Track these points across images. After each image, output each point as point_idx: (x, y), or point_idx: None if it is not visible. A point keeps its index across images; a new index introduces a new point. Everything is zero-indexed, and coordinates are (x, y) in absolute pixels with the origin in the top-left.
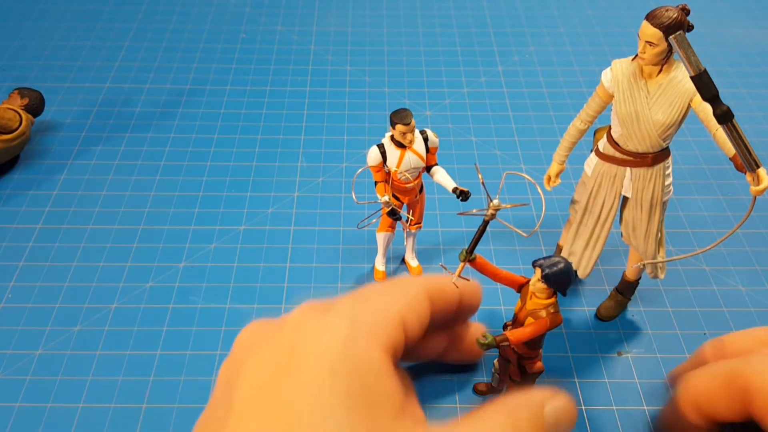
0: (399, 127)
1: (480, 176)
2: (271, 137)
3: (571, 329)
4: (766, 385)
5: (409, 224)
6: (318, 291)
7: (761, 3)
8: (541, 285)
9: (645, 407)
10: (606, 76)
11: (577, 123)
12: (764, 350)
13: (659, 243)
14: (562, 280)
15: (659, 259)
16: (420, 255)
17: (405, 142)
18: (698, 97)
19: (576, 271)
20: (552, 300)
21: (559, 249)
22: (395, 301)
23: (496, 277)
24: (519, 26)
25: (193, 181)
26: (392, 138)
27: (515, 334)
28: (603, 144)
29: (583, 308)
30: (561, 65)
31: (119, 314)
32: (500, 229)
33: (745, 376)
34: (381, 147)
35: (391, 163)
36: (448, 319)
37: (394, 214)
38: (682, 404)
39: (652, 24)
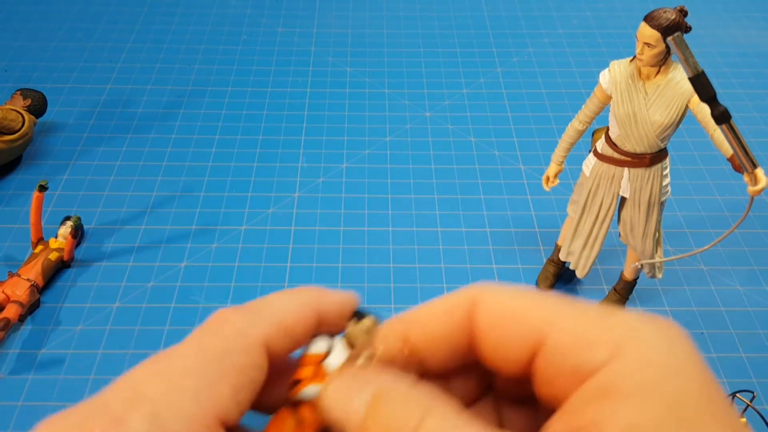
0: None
1: None
2: (272, 138)
3: None
4: (491, 304)
5: None
6: None
7: (759, 4)
8: None
9: None
10: (604, 77)
11: (576, 124)
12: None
13: (657, 243)
14: None
15: (657, 258)
16: (420, 255)
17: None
18: (696, 98)
19: (575, 272)
20: None
21: (558, 249)
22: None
23: None
24: (518, 27)
25: (194, 181)
26: None
27: None
28: (601, 144)
29: None
30: (559, 66)
31: (121, 313)
32: (499, 229)
33: (475, 299)
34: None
35: None
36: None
37: None
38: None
39: (650, 25)
